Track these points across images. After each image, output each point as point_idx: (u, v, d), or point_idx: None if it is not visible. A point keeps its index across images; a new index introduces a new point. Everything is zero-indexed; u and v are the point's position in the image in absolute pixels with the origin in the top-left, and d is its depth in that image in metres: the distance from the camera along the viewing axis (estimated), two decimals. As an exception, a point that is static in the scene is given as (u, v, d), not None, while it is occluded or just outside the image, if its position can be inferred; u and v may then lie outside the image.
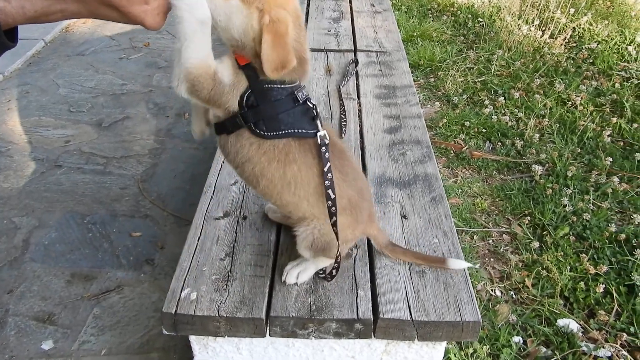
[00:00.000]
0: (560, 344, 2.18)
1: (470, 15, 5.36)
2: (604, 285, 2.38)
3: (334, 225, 1.37)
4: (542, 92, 3.99)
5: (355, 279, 1.56)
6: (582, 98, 3.82)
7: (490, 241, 2.75)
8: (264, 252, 1.65)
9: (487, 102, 3.90)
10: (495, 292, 2.45)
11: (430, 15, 5.53)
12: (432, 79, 4.35)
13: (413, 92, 2.64)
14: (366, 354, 1.59)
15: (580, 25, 4.83)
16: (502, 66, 4.37)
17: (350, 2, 3.88)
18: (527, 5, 5.14)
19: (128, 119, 3.79)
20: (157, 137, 3.59)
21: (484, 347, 2.13)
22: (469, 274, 2.46)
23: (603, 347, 2.15)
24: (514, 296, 2.44)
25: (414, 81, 4.19)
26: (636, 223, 2.73)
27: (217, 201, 1.86)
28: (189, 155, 3.41)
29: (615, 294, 2.36)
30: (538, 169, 3.14)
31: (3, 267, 2.54)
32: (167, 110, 3.90)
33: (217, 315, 1.43)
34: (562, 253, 2.57)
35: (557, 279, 2.44)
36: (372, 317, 1.45)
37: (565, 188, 2.99)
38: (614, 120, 3.58)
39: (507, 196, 3.04)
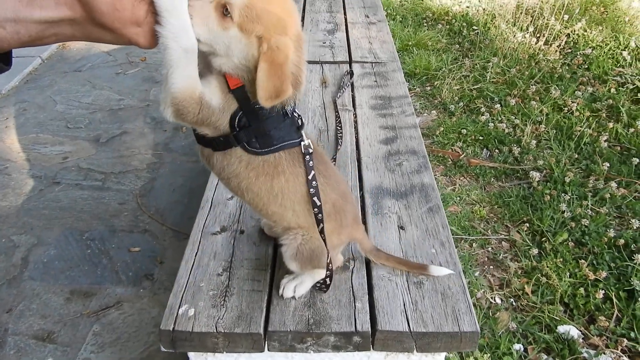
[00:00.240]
0: (561, 350, 2.18)
1: (465, 24, 5.39)
2: (603, 291, 2.38)
3: (322, 232, 1.38)
4: (538, 98, 4.00)
5: (352, 291, 1.56)
6: (578, 104, 3.83)
7: (490, 248, 2.75)
8: (262, 266, 1.65)
9: (483, 109, 3.91)
10: (495, 300, 2.45)
11: (425, 24, 5.56)
12: (429, 88, 4.37)
13: (408, 102, 2.64)
14: (366, 367, 1.59)
15: (574, 31, 4.86)
16: (497, 73, 4.39)
17: (345, 13, 3.90)
18: (521, 13, 5.17)
19: (126, 134, 3.81)
20: (155, 152, 3.60)
21: (485, 355, 2.13)
22: (469, 282, 2.47)
23: (604, 353, 2.14)
24: (514, 303, 2.43)
25: (410, 90, 4.22)
26: (635, 228, 2.73)
27: (214, 216, 1.86)
28: (187, 168, 3.42)
29: (615, 300, 2.36)
30: (536, 175, 3.14)
31: (2, 285, 2.54)
32: (165, 124, 3.91)
33: (215, 331, 1.43)
34: (561, 259, 2.57)
35: (557, 285, 2.43)
36: (370, 329, 1.45)
37: (563, 194, 3.00)
38: (611, 125, 3.59)
39: (505, 203, 3.04)
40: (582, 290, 2.40)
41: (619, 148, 3.46)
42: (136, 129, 3.87)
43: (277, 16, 1.15)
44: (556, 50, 4.63)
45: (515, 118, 3.79)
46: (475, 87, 4.25)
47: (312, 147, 1.35)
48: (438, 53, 4.86)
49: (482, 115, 3.81)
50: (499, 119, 3.81)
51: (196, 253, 1.70)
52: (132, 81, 4.62)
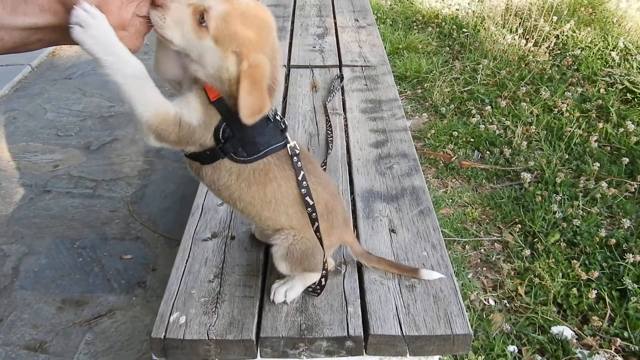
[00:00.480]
0: (555, 351, 2.18)
1: (454, 26, 5.41)
2: (596, 291, 2.39)
3: (317, 231, 1.39)
4: (528, 99, 4.02)
5: (345, 296, 1.56)
6: (568, 104, 3.85)
7: (482, 250, 2.76)
8: (253, 272, 1.65)
9: (474, 111, 3.92)
10: (488, 302, 2.45)
11: (416, 28, 5.57)
12: (419, 91, 4.38)
13: (399, 106, 2.65)
14: (359, 371, 1.58)
15: (563, 32, 4.89)
16: (488, 75, 4.40)
17: (335, 17, 3.90)
18: (510, 15, 5.20)
19: (117, 141, 3.79)
20: (147, 158, 3.59)
21: (480, 357, 2.13)
22: (462, 284, 2.47)
23: (598, 354, 2.15)
24: (507, 305, 2.44)
25: (402, 93, 4.23)
26: (626, 227, 2.74)
27: (205, 222, 1.86)
28: (178, 175, 3.41)
29: (607, 299, 2.37)
30: (527, 176, 3.15)
31: (-7, 295, 2.52)
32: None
33: (206, 338, 1.42)
34: (553, 260, 2.57)
35: (550, 286, 2.44)
36: (362, 333, 1.45)
37: (554, 194, 3.01)
38: (600, 125, 3.61)
39: (497, 205, 3.05)
40: (574, 290, 2.41)
41: (609, 148, 3.48)
42: (127, 135, 3.85)
43: (254, 32, 1.15)
44: (545, 52, 4.65)
45: (506, 119, 3.80)
46: (466, 89, 4.26)
47: (298, 148, 1.35)
48: (428, 56, 4.87)
49: (473, 117, 3.83)
50: (490, 120, 3.82)
51: (187, 260, 1.69)
52: (122, 88, 4.59)
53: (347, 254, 1.68)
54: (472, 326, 2.14)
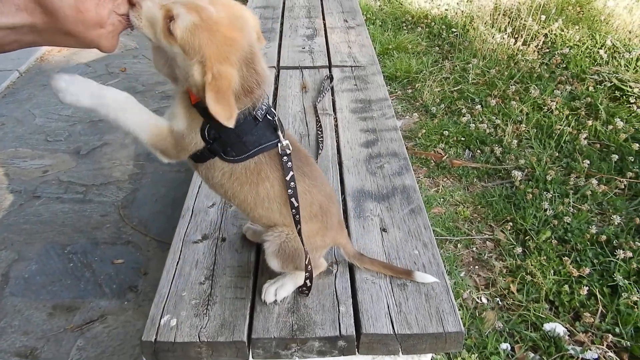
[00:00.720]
0: (547, 348, 2.19)
1: (444, 26, 5.42)
2: (587, 287, 2.39)
3: (299, 233, 1.39)
4: (518, 98, 4.03)
5: (336, 295, 1.55)
6: (557, 102, 3.87)
7: (474, 248, 2.76)
8: (244, 273, 1.64)
9: (464, 110, 3.93)
10: (481, 300, 2.45)
11: (405, 28, 5.58)
12: (410, 90, 4.38)
13: (389, 105, 2.65)
14: (352, 371, 1.58)
15: (551, 31, 4.91)
16: (477, 75, 4.42)
17: (324, 18, 3.91)
18: (499, 14, 5.22)
19: (106, 146, 3.77)
20: (137, 162, 3.57)
21: (473, 355, 2.13)
22: (454, 282, 2.48)
23: (590, 350, 2.15)
24: (499, 303, 2.44)
25: (392, 93, 4.24)
26: (616, 224, 2.76)
27: (196, 224, 1.85)
28: (169, 178, 3.39)
29: (599, 296, 2.38)
30: (518, 174, 3.16)
31: (-18, 302, 2.49)
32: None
33: (198, 340, 1.42)
34: (545, 257, 2.58)
35: (542, 283, 2.45)
36: (354, 333, 1.44)
37: (545, 192, 3.02)
38: (590, 123, 3.63)
39: (488, 203, 3.06)
40: (566, 287, 2.41)
41: (598, 145, 3.50)
42: (117, 140, 3.83)
43: (220, 41, 1.14)
44: (534, 51, 4.67)
45: (496, 118, 3.81)
46: (456, 88, 4.27)
47: (290, 147, 1.35)
48: (418, 56, 4.88)
49: (464, 116, 3.83)
50: (480, 119, 3.83)
51: (177, 262, 1.69)
52: (112, 92, 4.57)
53: (339, 254, 1.68)
54: (464, 324, 2.14)
